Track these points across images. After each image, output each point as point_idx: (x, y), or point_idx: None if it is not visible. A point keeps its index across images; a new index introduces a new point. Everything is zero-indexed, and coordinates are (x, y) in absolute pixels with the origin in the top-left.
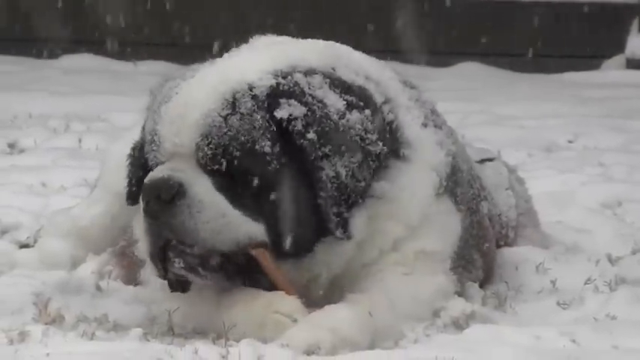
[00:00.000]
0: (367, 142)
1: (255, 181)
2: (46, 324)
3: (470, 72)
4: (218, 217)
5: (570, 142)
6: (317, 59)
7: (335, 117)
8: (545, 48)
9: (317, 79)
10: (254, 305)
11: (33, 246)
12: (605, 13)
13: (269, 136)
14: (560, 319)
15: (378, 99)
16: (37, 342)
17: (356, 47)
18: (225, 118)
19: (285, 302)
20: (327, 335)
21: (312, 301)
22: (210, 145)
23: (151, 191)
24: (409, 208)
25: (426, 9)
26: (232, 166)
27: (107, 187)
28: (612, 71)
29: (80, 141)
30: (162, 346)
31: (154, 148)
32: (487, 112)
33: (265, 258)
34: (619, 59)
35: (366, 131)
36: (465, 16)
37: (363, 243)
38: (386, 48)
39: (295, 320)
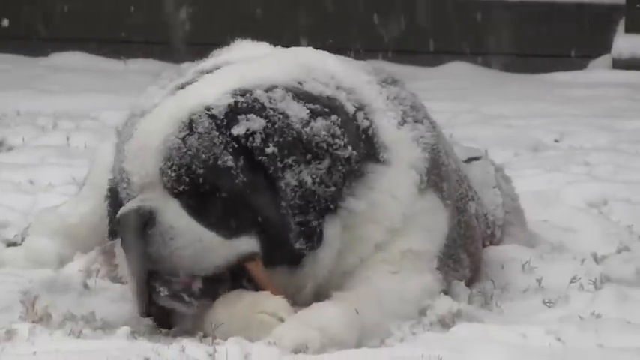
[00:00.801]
0: (335, 147)
1: (225, 197)
2: (34, 322)
3: (458, 72)
4: (194, 242)
5: (556, 141)
6: (282, 75)
7: (297, 126)
8: (533, 48)
9: (278, 93)
10: (239, 305)
11: (21, 244)
12: (591, 14)
13: (230, 151)
14: (545, 318)
15: (350, 108)
16: (24, 340)
17: (345, 47)
18: (183, 139)
19: (271, 301)
20: (315, 334)
21: (298, 306)
22: (173, 167)
23: (123, 224)
24: (389, 210)
25: (416, 8)
26: (198, 184)
27: (95, 186)
28: (598, 71)
29: (69, 139)
30: (150, 344)
31: (125, 186)
32: (475, 112)
33: (257, 268)
34: (605, 59)
35: (333, 136)
36: (454, 16)
37: (343, 250)
38: (375, 47)
39: (281, 319)
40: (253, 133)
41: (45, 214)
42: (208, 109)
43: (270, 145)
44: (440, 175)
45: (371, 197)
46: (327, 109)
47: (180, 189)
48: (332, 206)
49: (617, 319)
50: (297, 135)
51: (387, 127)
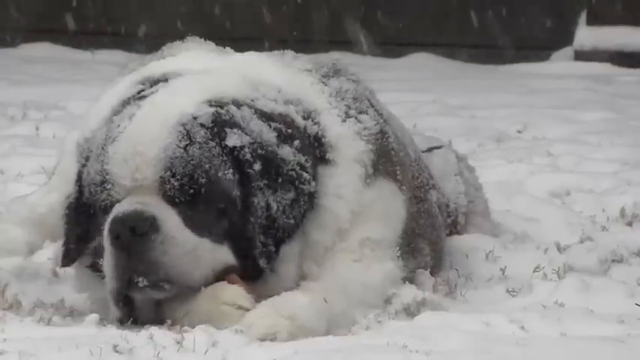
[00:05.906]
0: (302, 179)
1: (221, 208)
2: (4, 310)
3: (422, 63)
4: (190, 252)
5: (520, 132)
6: (236, 89)
7: (273, 149)
8: (496, 39)
9: (246, 112)
10: (199, 298)
11: None
12: (554, 6)
13: (229, 164)
14: (509, 307)
15: (300, 121)
16: None
17: (308, 39)
18: (185, 148)
19: (229, 291)
20: (285, 323)
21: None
22: (176, 177)
23: (123, 223)
24: (337, 212)
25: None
26: (199, 195)
27: (64, 175)
28: (561, 63)
29: (38, 129)
30: (118, 331)
31: (107, 187)
32: (439, 103)
33: (236, 282)
34: (567, 51)
35: (301, 167)
36: (417, 7)
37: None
38: (338, 39)
39: (241, 307)
40: (243, 147)
41: (14, 203)
42: (195, 118)
43: (258, 161)
44: (390, 161)
45: (319, 201)
46: (289, 130)
47: (181, 198)
48: (287, 238)
49: (580, 308)
50: (274, 159)
51: (332, 126)
